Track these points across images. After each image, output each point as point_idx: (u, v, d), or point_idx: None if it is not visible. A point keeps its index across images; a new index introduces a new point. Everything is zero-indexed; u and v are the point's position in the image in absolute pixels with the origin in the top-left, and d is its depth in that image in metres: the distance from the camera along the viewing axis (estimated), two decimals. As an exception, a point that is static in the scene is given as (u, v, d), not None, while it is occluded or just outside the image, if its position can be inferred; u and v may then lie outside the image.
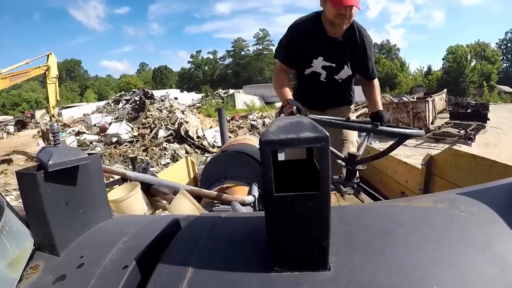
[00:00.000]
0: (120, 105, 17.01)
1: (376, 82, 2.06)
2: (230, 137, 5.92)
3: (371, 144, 3.68)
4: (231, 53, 70.79)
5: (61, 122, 13.39)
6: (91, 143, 12.49)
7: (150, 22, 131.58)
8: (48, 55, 11.70)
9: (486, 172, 1.54)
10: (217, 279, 0.47)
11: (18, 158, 11.67)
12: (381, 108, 1.91)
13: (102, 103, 20.66)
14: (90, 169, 0.70)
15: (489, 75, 42.13)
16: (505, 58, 55.48)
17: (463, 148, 8.04)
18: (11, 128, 19.40)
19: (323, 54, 1.94)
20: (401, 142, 1.59)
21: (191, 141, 11.77)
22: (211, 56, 73.13)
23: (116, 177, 2.32)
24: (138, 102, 15.92)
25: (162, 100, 15.85)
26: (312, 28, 1.88)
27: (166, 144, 11.59)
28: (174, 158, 10.31)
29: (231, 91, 28.81)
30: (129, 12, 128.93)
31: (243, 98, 27.11)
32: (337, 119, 1.74)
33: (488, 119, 13.28)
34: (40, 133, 13.06)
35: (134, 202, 1.84)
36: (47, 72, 11.60)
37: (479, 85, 40.69)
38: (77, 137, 13.02)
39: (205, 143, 11.82)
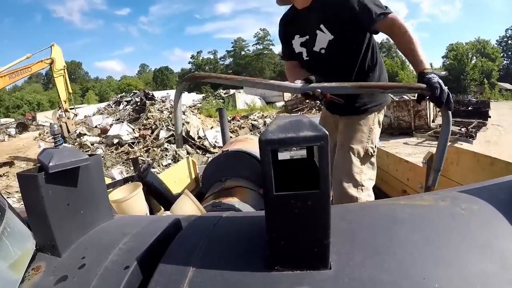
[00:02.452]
0: (121, 106, 17.03)
1: (394, 21, 1.41)
2: (231, 137, 5.92)
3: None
4: (231, 53, 70.83)
5: (73, 121, 12.80)
6: (92, 144, 12.51)
7: (151, 23, 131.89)
8: (51, 47, 10.98)
9: (487, 170, 1.54)
10: (218, 279, 0.47)
11: (20, 160, 11.70)
12: (422, 66, 1.28)
13: (103, 105, 20.71)
14: (91, 170, 0.70)
15: (490, 72, 42.00)
16: (505, 55, 55.31)
17: (464, 146, 8.02)
18: (12, 131, 19.45)
19: (297, 31, 1.73)
20: None
21: (192, 141, 11.77)
22: (211, 57, 73.29)
23: (118, 177, 2.33)
24: (139, 103, 15.93)
25: (163, 101, 15.86)
26: (287, 12, 1.79)
27: (167, 145, 11.61)
28: (176, 159, 10.32)
29: (231, 91, 28.82)
30: (130, 14, 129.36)
31: (243, 98, 27.12)
32: (348, 85, 1.23)
33: (489, 117, 13.25)
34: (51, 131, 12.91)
35: (136, 203, 1.85)
36: (52, 66, 10.92)
37: (480, 83, 40.56)
38: (79, 139, 13.03)
39: (206, 143, 11.83)
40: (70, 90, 11.97)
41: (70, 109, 12.52)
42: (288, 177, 0.55)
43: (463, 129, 10.77)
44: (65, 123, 12.12)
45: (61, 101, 11.47)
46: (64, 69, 11.23)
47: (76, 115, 13.56)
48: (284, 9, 1.94)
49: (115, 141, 12.48)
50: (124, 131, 12.92)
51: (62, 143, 0.72)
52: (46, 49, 11.07)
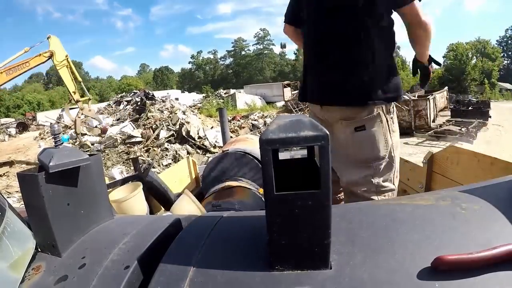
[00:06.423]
0: (121, 106, 17.02)
1: (409, 9, 1.24)
2: (231, 137, 5.92)
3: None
4: (232, 53, 70.81)
5: (90, 111, 10.84)
6: (92, 144, 12.50)
7: (152, 23, 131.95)
8: (47, 39, 9.89)
9: (487, 170, 1.54)
10: (218, 279, 0.47)
11: (20, 160, 11.70)
12: (421, 58, 1.47)
13: (103, 105, 20.66)
14: (91, 170, 0.70)
15: (490, 72, 41.91)
16: (505, 55, 55.25)
17: (464, 145, 8.01)
18: (13, 131, 19.45)
19: None
20: None
21: (193, 141, 11.77)
22: (211, 56, 73.26)
23: (118, 177, 2.33)
24: (139, 103, 15.92)
25: (163, 101, 15.85)
26: None
27: (168, 145, 11.61)
28: (176, 159, 10.32)
29: (232, 91, 28.80)
30: (131, 14, 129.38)
31: (244, 98, 27.07)
32: None
33: (490, 117, 13.23)
34: (73, 126, 11.27)
35: (136, 203, 1.85)
36: (53, 58, 9.91)
37: (480, 83, 40.46)
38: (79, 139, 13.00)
39: (206, 143, 11.83)
40: (80, 79, 10.59)
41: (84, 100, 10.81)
42: (288, 177, 0.55)
43: (463, 129, 10.76)
44: (85, 116, 10.81)
45: (70, 92, 10.22)
46: (67, 59, 10.09)
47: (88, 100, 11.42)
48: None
49: (115, 141, 12.47)
50: (127, 130, 12.93)
51: (62, 143, 0.72)
52: (43, 42, 9.93)
